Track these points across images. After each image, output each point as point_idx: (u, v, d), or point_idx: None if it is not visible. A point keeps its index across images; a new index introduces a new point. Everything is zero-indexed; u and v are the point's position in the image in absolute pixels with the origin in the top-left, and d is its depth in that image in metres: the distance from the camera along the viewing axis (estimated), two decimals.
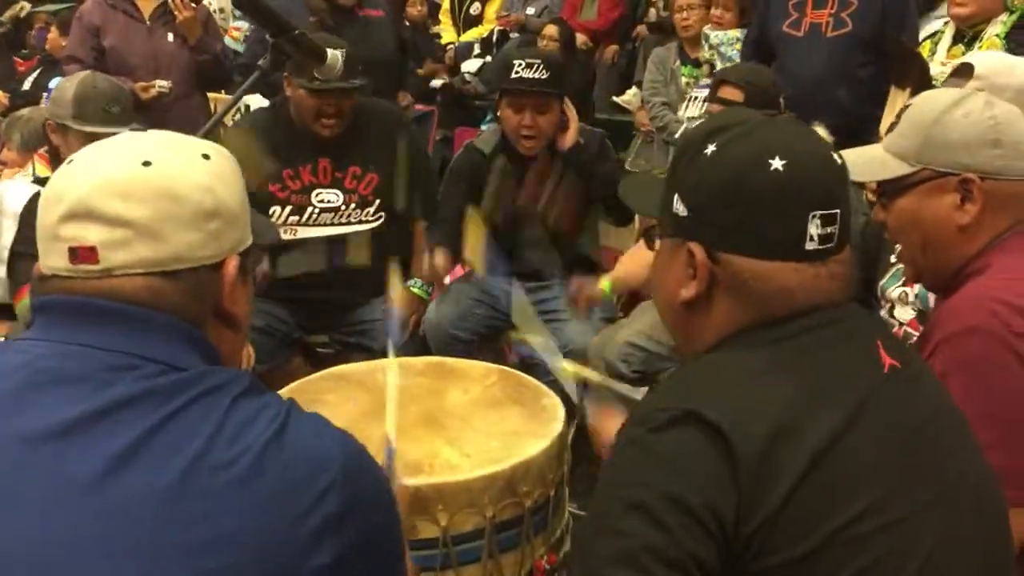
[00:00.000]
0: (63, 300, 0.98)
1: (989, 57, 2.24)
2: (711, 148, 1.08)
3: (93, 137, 2.51)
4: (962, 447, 1.09)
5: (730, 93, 2.60)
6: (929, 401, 1.10)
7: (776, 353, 1.04)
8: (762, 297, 1.05)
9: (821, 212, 1.04)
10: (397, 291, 1.76)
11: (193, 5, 3.87)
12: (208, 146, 1.07)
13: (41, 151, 2.65)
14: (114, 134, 2.52)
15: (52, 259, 0.99)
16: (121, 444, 0.88)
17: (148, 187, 0.98)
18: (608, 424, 1.71)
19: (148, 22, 3.88)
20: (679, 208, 1.10)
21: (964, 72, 2.12)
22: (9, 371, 0.94)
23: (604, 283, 2.78)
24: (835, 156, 1.08)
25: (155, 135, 1.07)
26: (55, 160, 2.60)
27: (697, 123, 1.16)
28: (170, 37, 3.89)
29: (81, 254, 0.96)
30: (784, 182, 1.03)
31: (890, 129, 2.20)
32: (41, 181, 2.56)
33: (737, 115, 1.13)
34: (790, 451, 0.96)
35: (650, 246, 1.21)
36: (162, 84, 3.72)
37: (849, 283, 1.10)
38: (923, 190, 1.47)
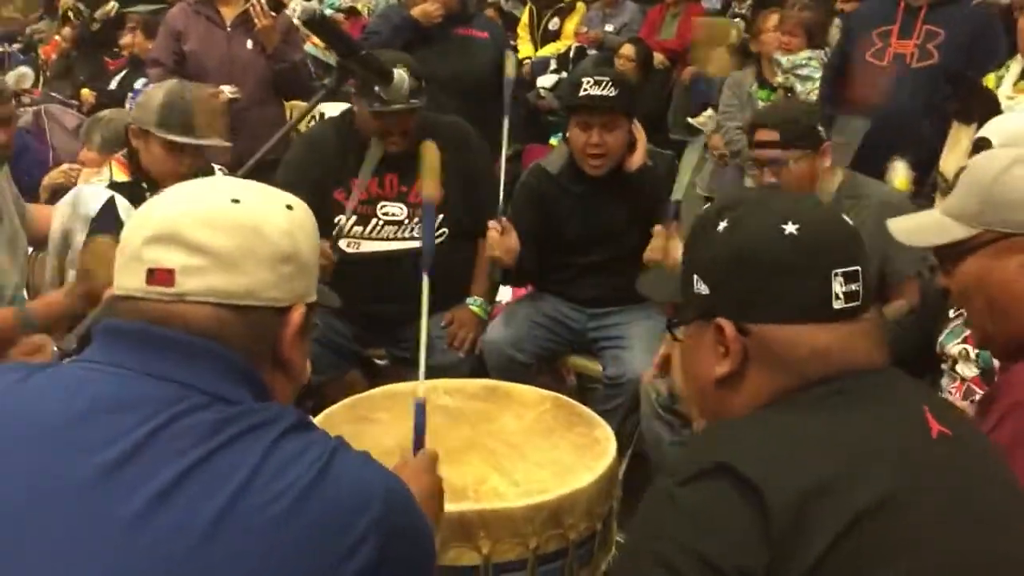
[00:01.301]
0: (127, 325, 1.01)
1: (1000, 125, 2.17)
2: (724, 224, 1.09)
3: (174, 145, 2.57)
4: (1012, 526, 1.04)
5: (766, 135, 2.56)
6: (982, 472, 1.06)
7: (815, 413, 1.02)
8: (797, 362, 1.04)
9: (842, 270, 1.05)
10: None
11: (273, 14, 3.91)
12: (292, 199, 1.11)
13: (119, 155, 2.70)
14: (196, 145, 2.59)
15: (128, 279, 1.02)
16: (164, 481, 0.89)
17: (234, 221, 1.02)
18: None
19: (228, 28, 3.94)
20: (701, 288, 1.10)
21: (983, 146, 2.05)
22: (69, 396, 0.96)
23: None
24: (846, 218, 1.11)
25: (244, 182, 1.11)
26: (133, 164, 2.65)
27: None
28: (248, 44, 3.93)
29: (159, 276, 1.00)
30: (801, 244, 1.05)
31: (946, 190, 2.13)
32: (117, 186, 2.60)
33: (743, 192, 1.13)
34: (829, 508, 0.92)
35: (674, 337, 1.20)
36: (231, 91, 3.76)
37: (885, 344, 1.08)
38: (987, 252, 1.42)
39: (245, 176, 1.52)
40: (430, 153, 1.86)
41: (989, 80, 2.83)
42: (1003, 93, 2.75)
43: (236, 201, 1.04)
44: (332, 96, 1.68)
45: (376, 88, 2.04)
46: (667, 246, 2.64)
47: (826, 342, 1.04)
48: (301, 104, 4.94)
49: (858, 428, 1.00)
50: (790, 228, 1.05)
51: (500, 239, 2.77)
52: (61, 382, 0.99)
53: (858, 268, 1.05)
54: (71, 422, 0.94)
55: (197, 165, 2.67)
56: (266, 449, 0.94)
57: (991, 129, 2.15)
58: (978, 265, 1.43)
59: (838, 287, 1.04)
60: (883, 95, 3.39)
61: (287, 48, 4.01)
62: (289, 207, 1.09)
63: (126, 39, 6.42)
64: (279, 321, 1.06)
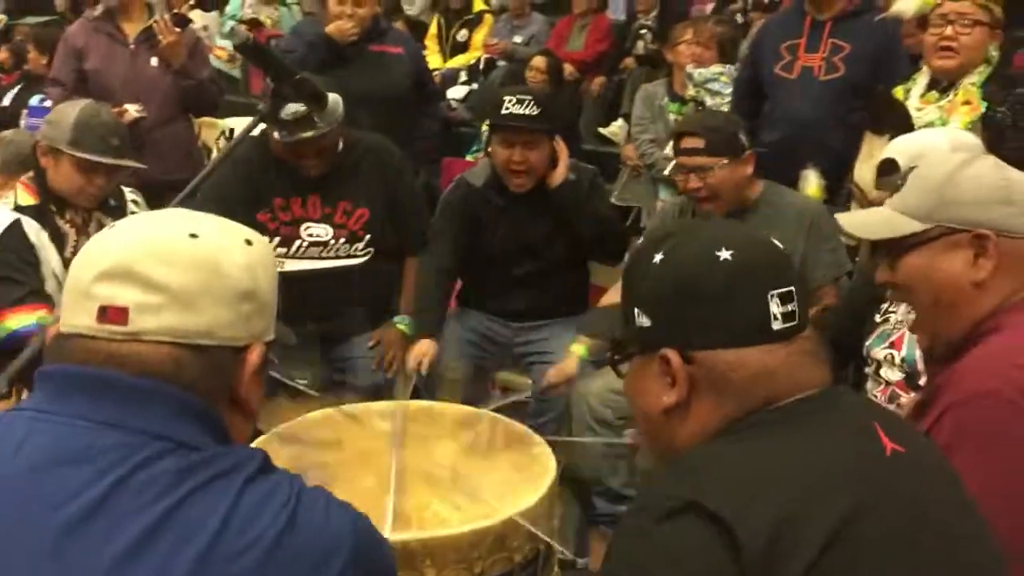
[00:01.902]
0: (76, 369, 0.96)
1: (904, 144, 2.27)
2: (659, 256, 1.11)
3: (86, 164, 2.48)
4: (970, 534, 1.07)
5: (691, 142, 2.63)
6: (936, 486, 1.09)
7: (772, 438, 1.04)
8: (743, 386, 1.06)
9: (778, 291, 1.07)
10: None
11: (178, 30, 3.78)
12: (250, 233, 1.07)
13: (25, 178, 2.58)
14: (109, 165, 2.50)
15: (77, 317, 0.97)
16: (131, 536, 0.86)
17: (192, 257, 0.98)
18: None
19: (132, 45, 3.80)
20: (642, 320, 1.11)
21: (890, 168, 2.15)
22: (19, 447, 0.92)
23: (579, 348, 2.73)
24: (775, 241, 1.13)
25: (203, 214, 1.06)
26: (40, 185, 2.55)
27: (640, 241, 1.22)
28: (153, 61, 3.79)
29: (111, 314, 0.95)
30: (736, 269, 1.07)
31: (885, 173, 2.22)
32: (22, 209, 2.49)
33: (675, 223, 1.15)
34: (798, 538, 0.94)
35: (618, 373, 1.21)
36: (136, 109, 3.63)
37: (827, 363, 1.11)
38: (936, 247, 1.46)
39: (180, 204, 1.47)
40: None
41: (898, 92, 2.94)
42: (911, 105, 2.85)
43: (194, 236, 1.00)
44: (265, 120, 1.64)
45: (282, 114, 2.00)
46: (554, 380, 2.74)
47: (770, 364, 1.06)
48: (210, 120, 4.83)
49: (814, 452, 1.02)
50: (724, 254, 1.07)
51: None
52: (6, 432, 0.94)
53: (792, 288, 1.08)
54: (23, 475, 0.89)
55: (108, 186, 2.58)
56: (233, 497, 0.91)
57: (896, 149, 2.24)
58: (924, 259, 1.47)
59: (775, 308, 1.06)
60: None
61: (193, 64, 3.88)
62: (248, 242, 1.05)
63: (2, 55, 6.18)
64: (237, 360, 1.02)
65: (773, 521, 0.94)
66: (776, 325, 1.06)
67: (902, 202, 1.52)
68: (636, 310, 1.12)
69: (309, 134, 2.54)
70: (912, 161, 2.09)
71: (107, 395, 0.94)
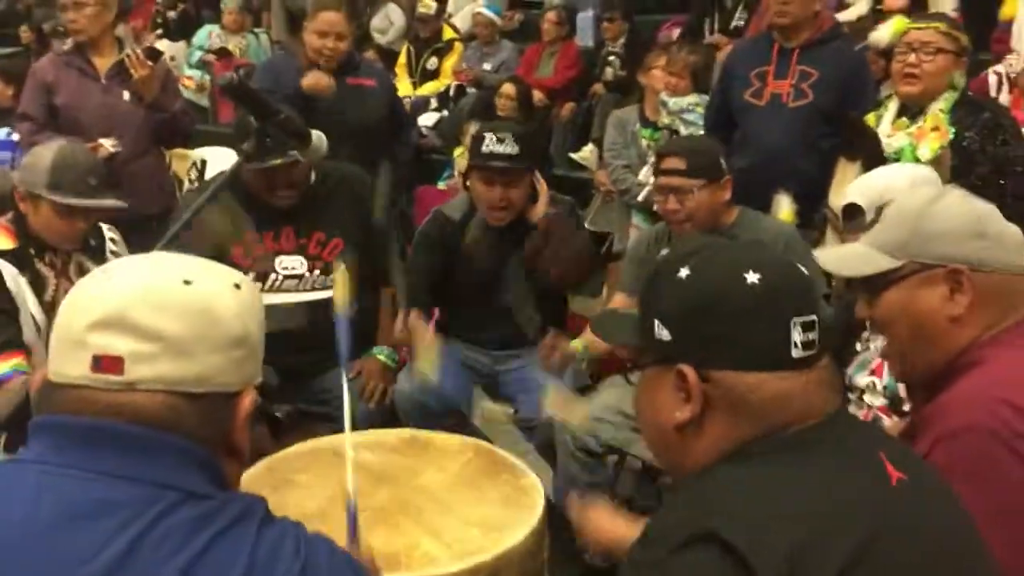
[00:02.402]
0: (74, 421, 0.95)
1: (863, 185, 2.33)
2: (685, 271, 1.10)
3: (68, 208, 2.44)
4: (978, 558, 1.09)
5: (673, 163, 2.66)
6: (942, 513, 1.10)
7: (785, 467, 1.04)
8: (758, 409, 1.06)
9: (801, 319, 1.07)
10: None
11: (150, 63, 3.74)
12: (238, 276, 1.07)
13: (4, 220, 2.53)
14: (90, 207, 2.46)
15: (70, 366, 0.96)
16: None
17: (186, 304, 0.98)
18: (598, 522, 1.68)
19: (103, 80, 3.74)
20: (662, 334, 1.11)
21: (854, 213, 2.20)
22: (33, 501, 0.91)
23: (577, 343, 2.77)
24: (801, 267, 1.13)
25: (193, 258, 1.06)
26: (20, 229, 2.50)
27: (664, 252, 1.22)
28: (125, 95, 3.74)
29: (105, 364, 0.94)
30: (763, 293, 1.07)
31: (849, 217, 2.25)
32: (2, 254, 2.45)
33: (704, 239, 1.16)
34: (811, 568, 0.94)
35: (628, 380, 1.21)
36: (111, 144, 3.59)
37: (840, 390, 1.11)
38: (912, 282, 1.48)
39: (166, 246, 1.46)
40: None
41: (870, 119, 3.00)
42: (882, 131, 2.91)
43: (188, 282, 0.99)
44: (250, 160, 1.63)
45: (245, 145, 1.98)
46: (556, 344, 2.72)
47: (785, 390, 1.06)
48: (181, 152, 4.80)
49: (826, 482, 1.03)
50: (752, 277, 1.07)
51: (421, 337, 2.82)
52: (16, 486, 0.93)
53: (815, 317, 1.08)
54: (45, 532, 0.88)
55: (90, 226, 2.55)
56: (252, 544, 0.92)
57: (855, 192, 2.29)
58: (902, 295, 1.49)
59: (797, 336, 1.06)
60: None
61: (166, 97, 3.85)
62: (237, 286, 1.05)
63: None
64: (230, 407, 1.02)
65: (787, 551, 0.94)
66: (796, 353, 1.06)
67: (877, 238, 1.54)
68: (656, 322, 1.11)
69: (279, 161, 2.54)
70: (874, 202, 2.14)
71: (111, 446, 0.93)
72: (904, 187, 2.17)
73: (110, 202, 2.52)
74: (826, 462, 1.05)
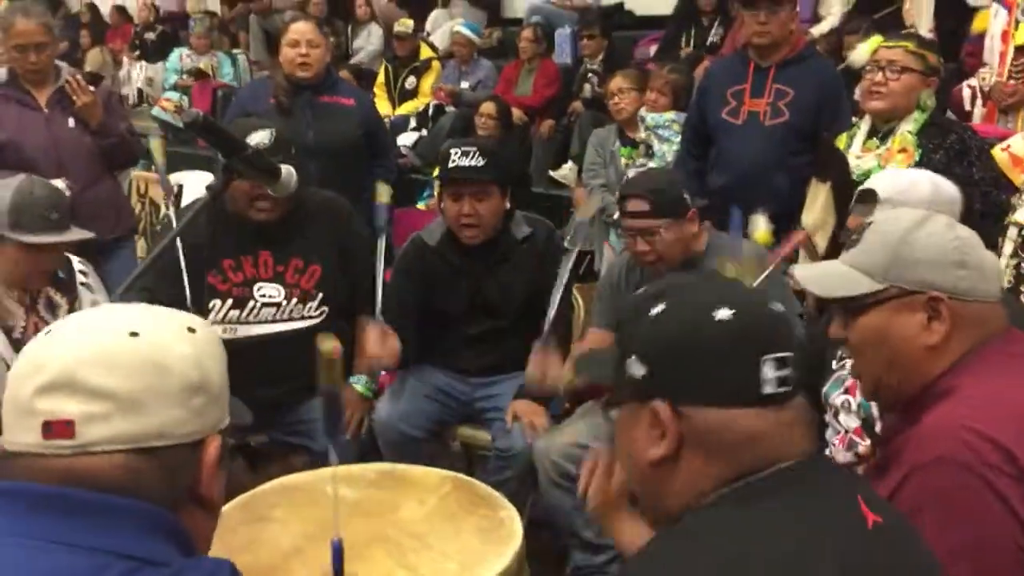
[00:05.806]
0: (24, 487, 0.91)
1: (888, 178, 2.32)
2: (659, 308, 1.11)
3: (32, 247, 2.40)
4: None
5: (636, 205, 2.66)
6: (917, 554, 1.10)
7: (758, 512, 1.03)
8: (731, 447, 1.06)
9: (773, 356, 1.06)
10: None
11: (92, 89, 3.61)
12: (193, 319, 1.04)
13: None
14: (55, 243, 2.40)
15: (21, 434, 0.93)
16: None
17: (135, 358, 0.95)
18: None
19: (45, 110, 3.59)
20: (636, 370, 1.10)
21: (868, 198, 2.19)
22: None
23: (568, 374, 2.71)
24: (778, 304, 1.13)
25: (139, 307, 1.03)
26: None
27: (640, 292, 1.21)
28: (71, 123, 3.60)
29: (56, 429, 0.91)
30: (735, 330, 1.06)
31: (861, 201, 2.25)
32: None
33: (678, 277, 1.14)
34: None
35: (606, 417, 1.20)
36: (64, 185, 3.26)
37: (815, 430, 1.10)
38: (889, 308, 1.47)
39: (135, 281, 1.43)
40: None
41: (841, 140, 3.01)
42: (853, 152, 2.92)
43: (135, 334, 0.96)
44: (217, 195, 1.61)
45: (211, 183, 1.95)
46: (544, 362, 2.64)
47: (759, 428, 1.05)
48: (141, 174, 4.71)
49: (800, 528, 1.02)
50: (723, 313, 1.07)
51: (383, 342, 2.74)
52: None
53: (789, 354, 1.07)
54: None
55: (57, 261, 2.51)
56: None
57: (879, 181, 2.27)
58: (880, 320, 1.47)
59: (769, 372, 1.05)
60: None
61: (112, 120, 3.71)
62: (191, 329, 1.01)
63: None
64: (195, 456, 0.99)
65: None
66: (768, 389, 1.05)
67: (857, 258, 1.52)
68: (631, 359, 1.11)
69: (268, 164, 2.51)
70: (893, 195, 2.14)
71: (63, 514, 0.90)
72: (927, 190, 2.18)
73: (76, 235, 2.47)
74: (802, 505, 1.04)
